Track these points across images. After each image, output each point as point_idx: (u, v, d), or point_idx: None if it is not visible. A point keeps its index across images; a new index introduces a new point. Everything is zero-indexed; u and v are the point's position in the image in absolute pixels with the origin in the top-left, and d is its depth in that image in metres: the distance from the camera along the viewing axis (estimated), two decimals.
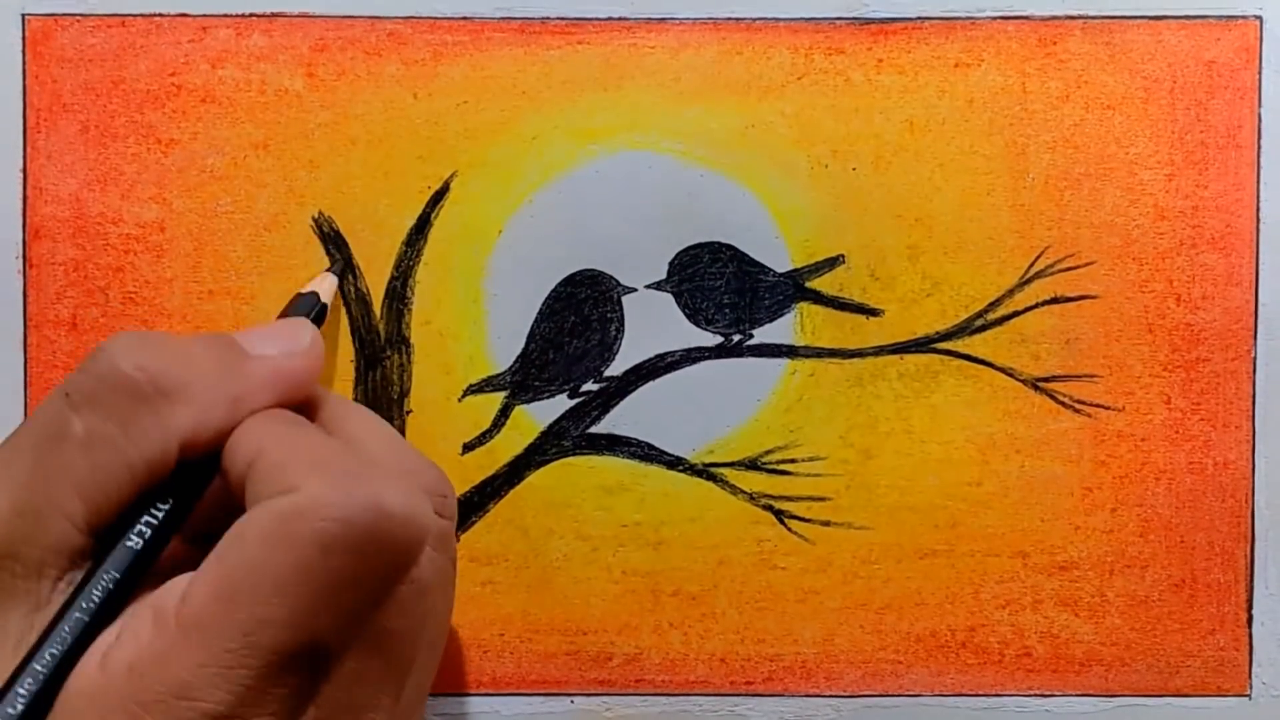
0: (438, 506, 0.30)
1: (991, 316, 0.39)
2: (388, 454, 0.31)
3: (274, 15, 0.39)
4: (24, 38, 0.38)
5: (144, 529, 0.29)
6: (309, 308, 0.36)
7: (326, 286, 0.37)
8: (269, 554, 0.27)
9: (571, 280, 0.39)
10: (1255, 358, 0.39)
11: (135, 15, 0.39)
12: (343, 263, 0.38)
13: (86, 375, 0.29)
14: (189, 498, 0.30)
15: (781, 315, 0.39)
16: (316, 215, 0.39)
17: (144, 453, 0.29)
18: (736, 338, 0.39)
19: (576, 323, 0.39)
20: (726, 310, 0.39)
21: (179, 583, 0.28)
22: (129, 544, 0.29)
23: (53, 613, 0.28)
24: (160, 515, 0.29)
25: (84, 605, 0.28)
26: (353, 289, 0.39)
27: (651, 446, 0.39)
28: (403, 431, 0.39)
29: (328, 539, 0.27)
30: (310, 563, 0.27)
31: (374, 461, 0.30)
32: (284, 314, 0.36)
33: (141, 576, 0.29)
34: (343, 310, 0.39)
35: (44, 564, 0.28)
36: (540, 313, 0.39)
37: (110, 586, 0.28)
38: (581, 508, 0.39)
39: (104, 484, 0.29)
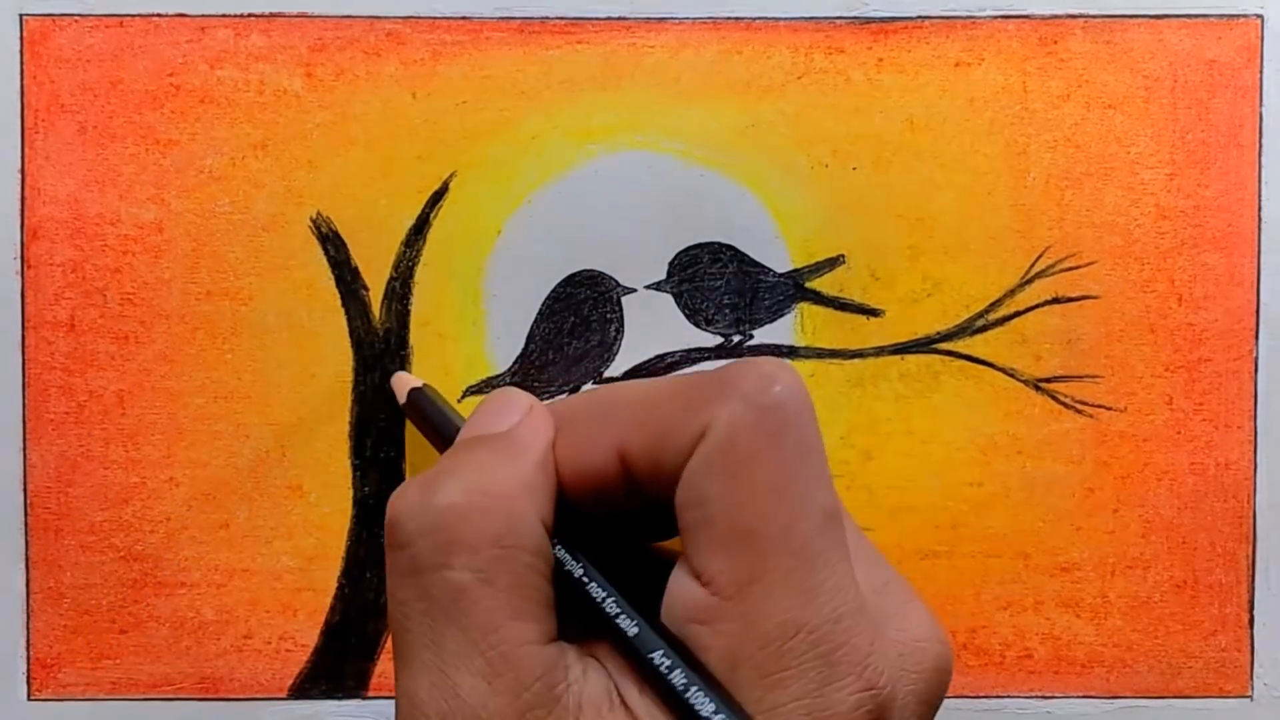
0: None
1: (992, 317, 0.39)
2: None
3: (272, 15, 0.39)
4: (22, 38, 0.38)
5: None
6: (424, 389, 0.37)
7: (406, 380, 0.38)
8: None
9: (571, 281, 0.39)
10: (1257, 358, 0.39)
11: (133, 15, 0.38)
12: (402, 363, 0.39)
13: (425, 540, 0.25)
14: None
15: (781, 315, 0.39)
16: (315, 216, 0.39)
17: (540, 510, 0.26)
18: (736, 338, 0.39)
19: (576, 323, 0.39)
20: (726, 310, 0.39)
21: None
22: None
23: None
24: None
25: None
26: (352, 290, 0.39)
27: None
28: (402, 433, 0.39)
29: None
30: None
31: None
32: (422, 409, 0.36)
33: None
34: (342, 311, 0.39)
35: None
36: (539, 313, 0.39)
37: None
38: None
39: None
